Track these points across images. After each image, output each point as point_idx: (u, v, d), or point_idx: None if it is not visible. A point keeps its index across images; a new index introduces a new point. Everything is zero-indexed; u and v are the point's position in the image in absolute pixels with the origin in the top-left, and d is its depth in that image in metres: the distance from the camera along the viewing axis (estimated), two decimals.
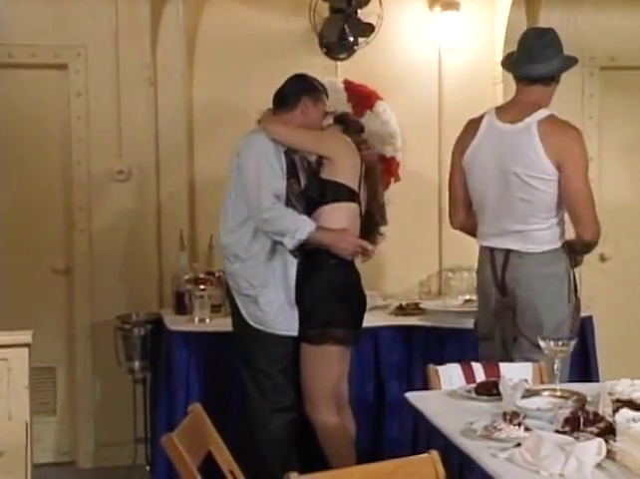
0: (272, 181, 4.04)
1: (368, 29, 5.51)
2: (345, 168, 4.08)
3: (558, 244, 3.93)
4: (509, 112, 3.98)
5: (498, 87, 5.68)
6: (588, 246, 3.95)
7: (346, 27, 5.45)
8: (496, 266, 3.98)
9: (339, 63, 5.59)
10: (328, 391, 4.09)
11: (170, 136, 5.43)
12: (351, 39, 5.50)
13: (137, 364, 5.02)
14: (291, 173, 4.13)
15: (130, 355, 5.02)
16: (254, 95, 5.38)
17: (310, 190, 4.15)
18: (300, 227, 3.98)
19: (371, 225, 4.26)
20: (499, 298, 3.99)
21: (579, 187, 3.83)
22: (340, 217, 4.06)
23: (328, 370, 4.06)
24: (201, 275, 4.97)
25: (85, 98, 5.35)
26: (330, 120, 4.39)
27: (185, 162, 5.47)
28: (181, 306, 4.99)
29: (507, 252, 3.95)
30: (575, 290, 3.98)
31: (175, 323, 4.79)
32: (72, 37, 5.31)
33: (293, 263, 4.11)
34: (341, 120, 4.40)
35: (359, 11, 5.45)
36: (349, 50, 5.55)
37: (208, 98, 5.52)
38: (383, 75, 5.61)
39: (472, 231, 4.19)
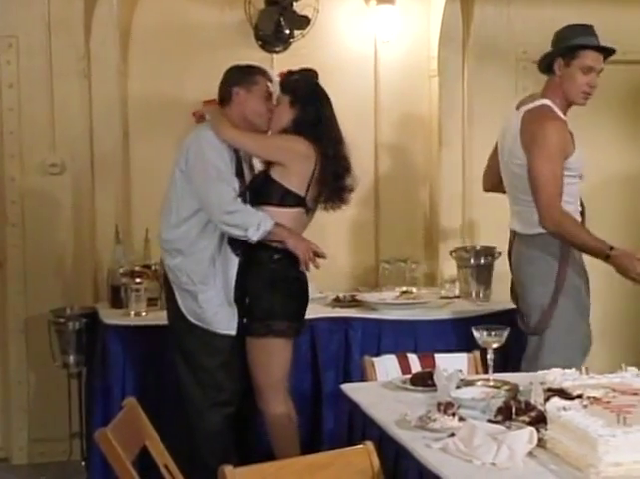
0: (230, 176, 4.01)
1: (304, 22, 5.50)
2: (295, 173, 4.02)
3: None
4: (526, 98, 4.19)
5: (434, 80, 5.71)
6: (552, 233, 3.93)
7: (282, 19, 5.44)
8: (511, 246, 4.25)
9: (275, 55, 5.56)
10: (277, 383, 4.09)
11: (105, 128, 5.36)
12: (287, 31, 5.49)
13: (71, 359, 4.97)
14: (237, 170, 4.09)
15: (64, 350, 4.97)
16: (189, 87, 5.37)
17: (256, 184, 4.11)
18: (263, 219, 3.93)
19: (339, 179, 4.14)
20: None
21: (536, 173, 3.90)
22: (284, 221, 3.99)
23: (274, 362, 4.06)
24: (137, 269, 4.93)
25: (17, 89, 5.26)
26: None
27: (120, 154, 5.41)
28: (117, 300, 4.94)
29: (514, 233, 4.19)
30: (564, 279, 3.98)
31: (111, 317, 4.75)
32: (3, 27, 5.21)
33: (234, 264, 4.08)
34: (283, 85, 4.23)
35: (295, 3, 5.43)
36: (285, 42, 5.54)
37: (143, 90, 5.46)
38: (319, 68, 5.49)
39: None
